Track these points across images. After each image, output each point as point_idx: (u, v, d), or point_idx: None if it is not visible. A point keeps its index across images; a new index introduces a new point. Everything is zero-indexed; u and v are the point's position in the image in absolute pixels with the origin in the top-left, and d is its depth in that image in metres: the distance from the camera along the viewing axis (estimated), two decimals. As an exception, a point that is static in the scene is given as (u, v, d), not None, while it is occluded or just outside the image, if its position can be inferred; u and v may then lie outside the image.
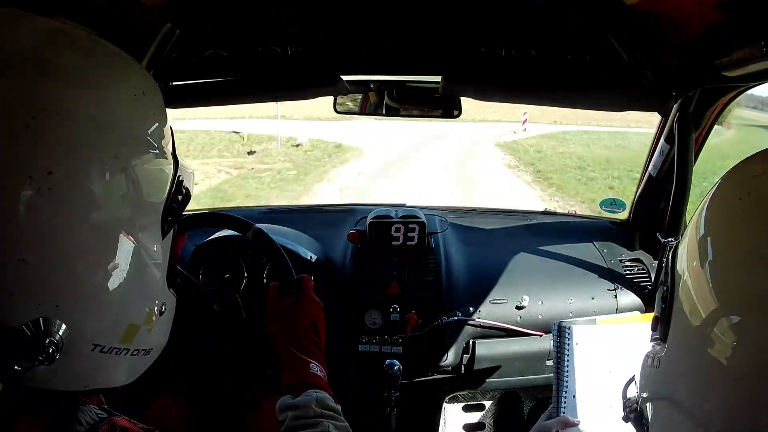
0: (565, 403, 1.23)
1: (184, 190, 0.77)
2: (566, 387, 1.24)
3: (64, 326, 0.61)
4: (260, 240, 1.26)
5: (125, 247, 0.66)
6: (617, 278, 1.62)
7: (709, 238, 0.60)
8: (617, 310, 1.58)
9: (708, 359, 0.55)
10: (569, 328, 1.24)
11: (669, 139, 1.57)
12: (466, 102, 1.57)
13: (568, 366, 1.23)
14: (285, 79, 1.49)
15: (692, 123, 1.47)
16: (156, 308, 0.75)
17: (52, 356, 0.59)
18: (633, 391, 0.83)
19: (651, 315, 1.14)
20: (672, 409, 0.64)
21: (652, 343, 0.73)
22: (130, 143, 0.66)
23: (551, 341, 1.28)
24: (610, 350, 1.25)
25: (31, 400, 0.65)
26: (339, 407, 1.01)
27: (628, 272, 1.64)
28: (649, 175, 1.69)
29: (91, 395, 0.70)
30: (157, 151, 0.70)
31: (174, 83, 1.47)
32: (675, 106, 1.50)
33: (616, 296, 1.59)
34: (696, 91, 1.42)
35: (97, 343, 0.66)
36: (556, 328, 1.25)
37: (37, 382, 0.62)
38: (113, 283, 0.65)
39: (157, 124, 0.71)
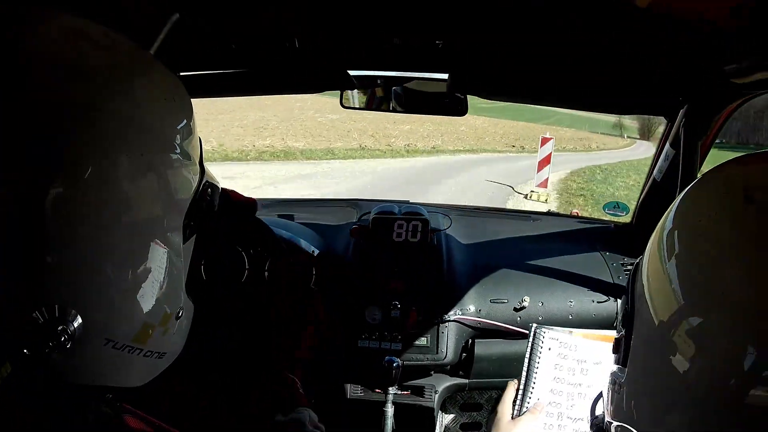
0: (528, 405, 1.24)
1: (208, 198, 0.78)
2: (532, 390, 1.25)
3: (79, 317, 0.61)
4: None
5: (147, 245, 0.67)
6: (618, 282, 1.62)
7: (676, 234, 0.60)
8: (617, 314, 1.58)
9: (666, 377, 0.55)
10: (543, 333, 1.25)
11: (674, 144, 1.56)
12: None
13: (537, 369, 1.25)
14: (292, 73, 1.49)
15: (698, 129, 1.47)
16: (173, 311, 0.74)
17: (64, 345, 0.59)
18: (601, 408, 0.84)
19: None
20: None
21: (615, 366, 0.73)
22: (158, 142, 0.66)
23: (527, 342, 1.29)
24: (580, 364, 1.27)
25: (36, 392, 0.64)
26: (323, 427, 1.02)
27: (629, 276, 1.64)
28: (654, 179, 1.68)
29: (99, 392, 0.70)
30: (184, 155, 0.70)
31: (182, 74, 1.48)
32: (681, 111, 1.50)
33: (616, 299, 1.59)
34: (703, 97, 1.42)
35: (109, 338, 0.65)
36: (532, 330, 1.26)
37: (47, 372, 0.63)
38: (133, 280, 0.66)
39: (183, 125, 0.71)
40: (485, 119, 21.99)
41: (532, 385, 1.25)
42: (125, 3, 1.10)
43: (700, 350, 0.51)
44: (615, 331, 1.30)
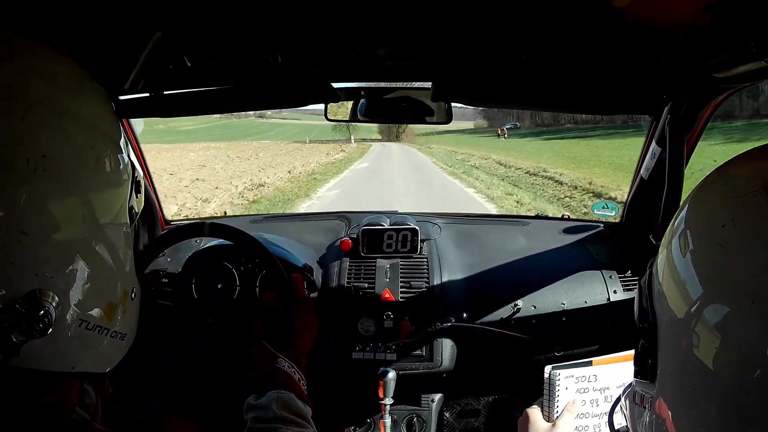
0: None
1: (139, 195, 0.85)
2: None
3: (56, 297, 0.66)
4: (249, 244, 1.26)
5: (108, 225, 0.74)
6: (610, 281, 1.62)
7: (689, 232, 0.59)
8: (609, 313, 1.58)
9: (694, 371, 0.54)
10: (558, 374, 1.24)
11: (660, 142, 1.56)
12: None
13: (558, 410, 1.24)
14: (277, 88, 1.48)
15: (683, 125, 1.47)
16: (128, 291, 0.81)
17: (46, 328, 0.64)
18: (620, 419, 0.82)
19: None
20: None
21: (636, 379, 0.71)
22: (105, 137, 0.75)
23: (543, 387, 1.29)
24: (603, 393, 1.26)
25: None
26: (308, 410, 0.98)
27: (620, 275, 1.64)
28: (641, 178, 1.68)
29: (78, 378, 0.75)
30: (121, 150, 0.79)
31: (165, 92, 1.46)
32: (666, 108, 1.49)
33: (608, 299, 1.58)
34: (687, 93, 1.42)
35: (83, 319, 0.71)
36: (546, 375, 1.25)
37: (30, 361, 0.66)
38: (99, 258, 0.72)
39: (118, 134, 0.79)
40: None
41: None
42: (108, 23, 1.10)
43: (726, 342, 0.51)
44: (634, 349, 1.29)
